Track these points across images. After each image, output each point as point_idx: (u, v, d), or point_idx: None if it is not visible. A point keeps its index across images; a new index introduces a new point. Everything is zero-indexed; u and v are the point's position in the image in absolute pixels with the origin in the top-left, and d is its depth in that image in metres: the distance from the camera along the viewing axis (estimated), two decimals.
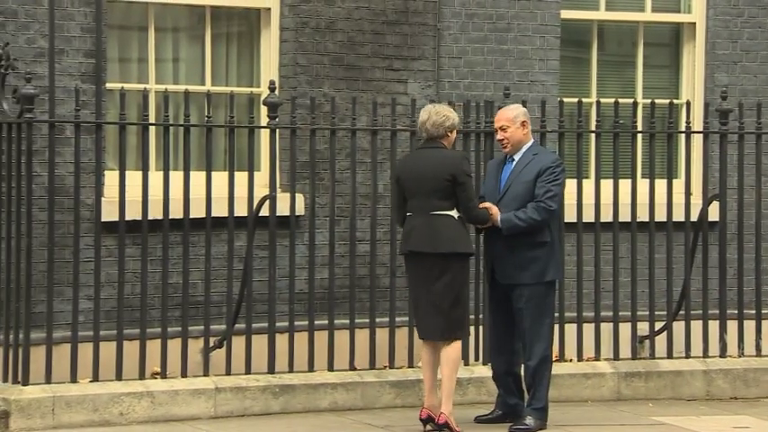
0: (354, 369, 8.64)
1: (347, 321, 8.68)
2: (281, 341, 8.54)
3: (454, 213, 7.73)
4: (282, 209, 8.67)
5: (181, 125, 8.46)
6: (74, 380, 8.04)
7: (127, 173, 8.24)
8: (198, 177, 8.39)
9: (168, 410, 8.13)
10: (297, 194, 8.86)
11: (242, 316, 8.53)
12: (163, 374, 8.28)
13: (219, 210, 8.43)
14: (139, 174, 8.28)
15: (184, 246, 8.35)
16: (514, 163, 8.02)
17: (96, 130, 8.34)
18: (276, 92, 8.68)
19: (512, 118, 8.04)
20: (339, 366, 8.65)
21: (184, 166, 8.37)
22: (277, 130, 8.66)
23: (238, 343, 8.42)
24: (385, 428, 8.01)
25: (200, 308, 8.51)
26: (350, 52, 9.51)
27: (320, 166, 8.97)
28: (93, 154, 8.35)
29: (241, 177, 8.51)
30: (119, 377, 8.13)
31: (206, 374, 8.37)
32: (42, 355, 7.98)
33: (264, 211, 8.55)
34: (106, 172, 8.71)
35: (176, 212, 8.32)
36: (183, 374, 8.30)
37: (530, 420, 7.96)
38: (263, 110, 8.75)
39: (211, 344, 8.48)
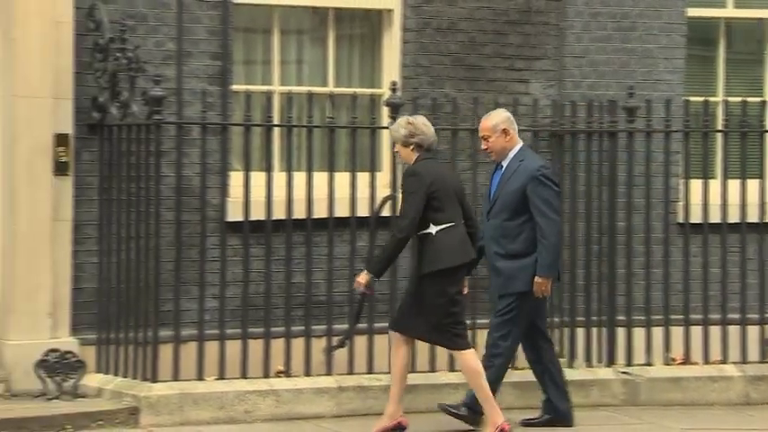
0: None
1: (469, 321, 8.66)
2: None
3: None
4: None
5: (304, 126, 8.55)
6: (200, 377, 8.17)
7: (251, 173, 8.35)
8: (320, 178, 8.47)
9: (292, 409, 8.21)
10: None
11: (364, 315, 8.57)
12: (287, 373, 8.37)
13: (342, 210, 8.49)
14: (264, 174, 8.38)
15: (307, 245, 8.43)
16: (503, 170, 7.94)
17: (222, 132, 8.46)
18: (398, 92, 8.72)
19: (491, 127, 7.93)
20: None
21: (307, 167, 8.46)
22: None
23: (360, 342, 8.46)
24: None
25: (322, 307, 8.58)
26: (471, 52, 9.49)
27: None
28: (219, 155, 8.48)
29: (363, 178, 8.56)
30: (244, 375, 8.24)
31: (329, 373, 8.43)
32: (170, 352, 8.12)
33: (386, 212, 8.59)
34: (231, 173, 8.83)
35: (299, 213, 8.41)
36: (307, 373, 8.37)
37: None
38: (385, 110, 8.79)
39: (334, 343, 8.54)
